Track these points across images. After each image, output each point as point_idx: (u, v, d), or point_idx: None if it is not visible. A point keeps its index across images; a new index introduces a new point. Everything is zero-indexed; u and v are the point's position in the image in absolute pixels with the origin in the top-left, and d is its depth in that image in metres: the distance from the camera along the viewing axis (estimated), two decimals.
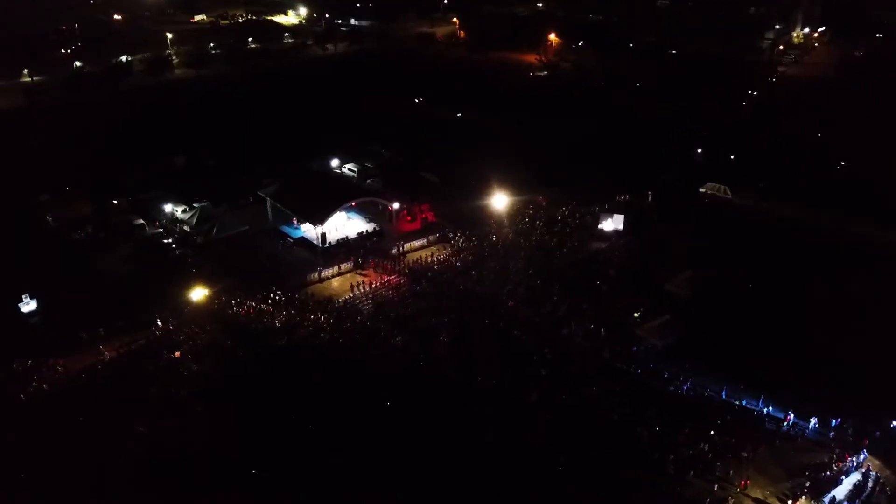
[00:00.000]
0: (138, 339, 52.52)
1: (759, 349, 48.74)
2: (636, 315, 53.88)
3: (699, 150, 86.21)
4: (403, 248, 65.55)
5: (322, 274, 61.23)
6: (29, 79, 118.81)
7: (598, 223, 67.86)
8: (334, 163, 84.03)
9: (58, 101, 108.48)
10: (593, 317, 53.37)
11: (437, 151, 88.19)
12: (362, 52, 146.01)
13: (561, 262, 61.81)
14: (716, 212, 72.61)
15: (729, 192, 75.34)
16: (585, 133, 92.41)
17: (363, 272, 62.12)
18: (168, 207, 71.60)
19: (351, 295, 58.33)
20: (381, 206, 70.62)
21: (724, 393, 45.80)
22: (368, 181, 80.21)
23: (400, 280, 60.59)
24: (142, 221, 69.41)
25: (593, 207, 71.40)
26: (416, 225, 70.73)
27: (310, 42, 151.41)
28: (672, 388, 46.48)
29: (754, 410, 44.74)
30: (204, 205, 71.65)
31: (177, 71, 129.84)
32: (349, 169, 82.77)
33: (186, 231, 68.54)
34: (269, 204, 69.34)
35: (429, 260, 63.27)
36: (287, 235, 67.16)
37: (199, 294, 56.15)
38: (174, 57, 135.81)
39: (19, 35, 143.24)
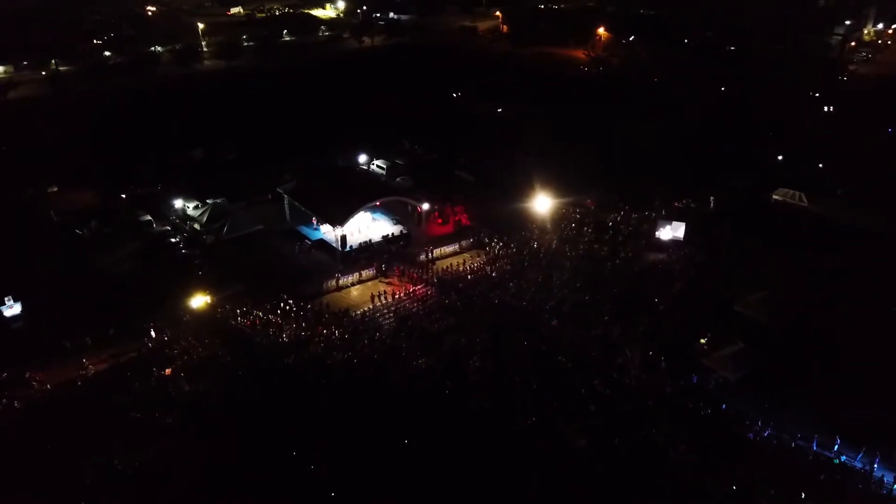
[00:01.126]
0: (129, 350, 46.41)
1: (857, 390, 40.11)
2: (703, 341, 45.70)
3: (780, 157, 76.94)
4: (432, 254, 58.32)
5: (340, 281, 54.41)
6: (57, 69, 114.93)
7: (654, 231, 59.65)
8: (362, 159, 77.33)
9: (81, 91, 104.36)
10: (652, 341, 45.34)
11: (474, 149, 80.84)
12: (399, 45, 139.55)
13: (613, 275, 53.79)
14: (790, 221, 63.61)
15: (805, 200, 66.26)
16: (638, 132, 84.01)
17: (387, 280, 55.12)
18: (178, 203, 65.63)
19: (371, 307, 51.33)
20: (410, 207, 63.47)
21: (814, 443, 37.45)
22: (398, 179, 73.23)
23: (427, 291, 53.36)
24: (149, 218, 63.51)
25: (649, 213, 63.26)
26: (448, 228, 63.48)
27: (346, 35, 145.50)
28: (751, 434, 38.24)
29: (855, 468, 36.28)
30: (217, 201, 65.50)
31: (206, 62, 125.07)
32: (378, 165, 75.95)
33: (196, 229, 62.42)
34: (286, 202, 62.81)
35: (461, 269, 55.91)
36: (305, 237, 60.49)
37: (200, 301, 49.75)
38: (205, 48, 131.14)
39: (54, 25, 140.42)
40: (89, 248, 59.46)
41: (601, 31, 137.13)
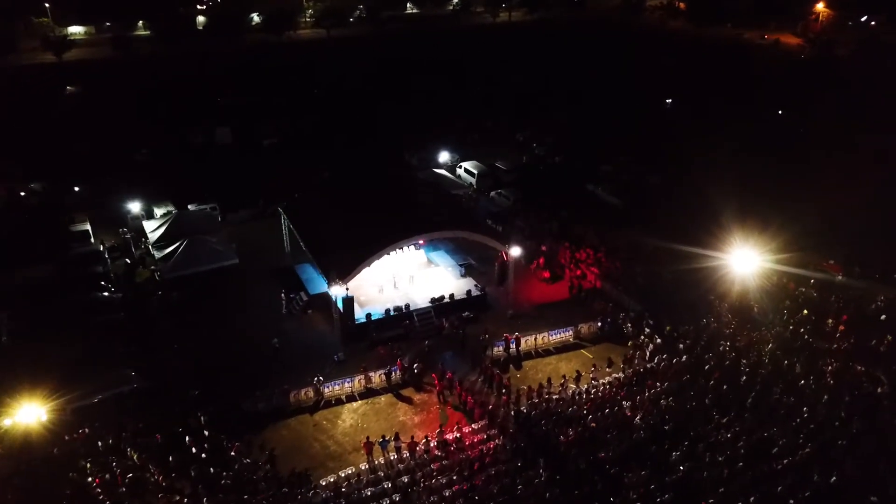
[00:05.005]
0: None
1: None
2: None
3: None
4: (518, 345, 30.36)
5: (325, 391, 27.88)
6: (128, 32, 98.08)
7: None
8: (442, 157, 50.57)
9: (143, 56, 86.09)
10: None
11: (624, 154, 51.37)
12: (543, 21, 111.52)
13: None
14: None
15: None
16: None
17: (416, 396, 27.94)
18: (136, 207, 42.07)
19: (364, 467, 24.33)
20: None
21: None
22: (493, 194, 45.78)
23: (490, 443, 25.32)
24: (87, 228, 40.40)
25: None
26: (561, 291, 35.16)
27: (479, 9, 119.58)
28: None
29: None
30: (204, 207, 42.04)
31: (305, 31, 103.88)
32: (466, 170, 48.79)
33: (144, 253, 38.61)
34: (284, 223, 37.11)
35: (569, 390, 27.44)
36: (302, 286, 34.55)
37: (29, 416, 25.02)
38: (309, 16, 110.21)
39: None
40: None
41: (820, 7, 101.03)
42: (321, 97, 66.84)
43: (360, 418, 26.98)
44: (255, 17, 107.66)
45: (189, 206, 42.37)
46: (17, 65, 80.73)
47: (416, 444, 24.59)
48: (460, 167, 49.34)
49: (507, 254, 32.38)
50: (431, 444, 24.78)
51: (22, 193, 45.31)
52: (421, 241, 33.40)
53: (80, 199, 44.76)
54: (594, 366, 28.62)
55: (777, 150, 50.68)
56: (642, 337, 30.59)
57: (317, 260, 31.60)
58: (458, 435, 25.18)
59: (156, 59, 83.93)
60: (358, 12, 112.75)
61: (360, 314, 31.34)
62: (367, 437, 24.65)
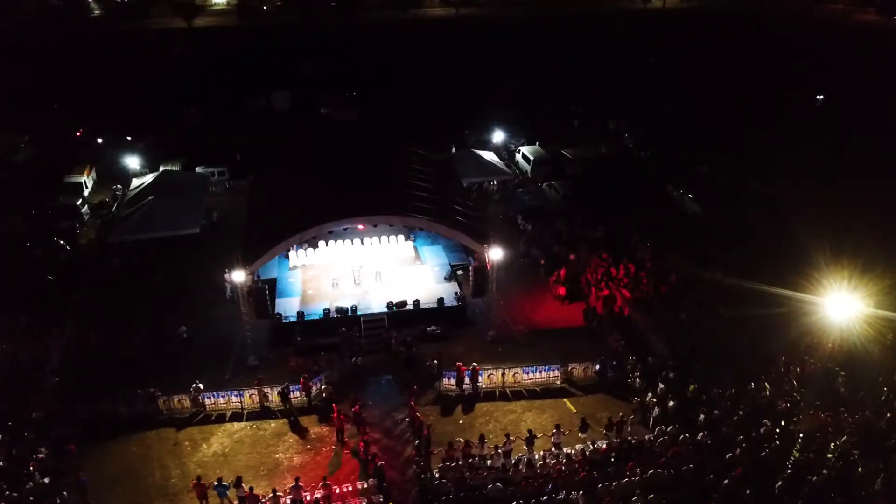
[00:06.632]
0: None
1: None
2: None
3: None
4: (475, 380, 22.39)
5: (203, 401, 21.80)
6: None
7: None
8: (497, 138, 42.55)
9: (259, 25, 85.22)
10: None
11: (729, 155, 40.38)
12: (705, 10, 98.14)
13: None
14: None
15: None
16: None
17: (320, 426, 21.08)
18: (135, 162, 38.53)
19: None
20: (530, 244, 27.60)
21: None
22: (544, 185, 37.36)
23: None
24: (83, 179, 37.38)
25: None
26: (574, 314, 26.46)
27: None
28: None
29: None
30: (213, 171, 38.07)
31: (436, 9, 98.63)
32: (524, 155, 40.59)
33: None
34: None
35: (512, 454, 19.24)
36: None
37: None
38: None
39: None
40: None
41: None
42: (407, 73, 60.46)
43: (230, 445, 20.60)
44: None
45: (197, 169, 38.34)
46: (142, 28, 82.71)
47: (259, 498, 17.73)
48: (518, 151, 41.23)
49: (488, 255, 24.30)
50: (283, 501, 17.84)
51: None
52: (360, 227, 26.21)
53: (99, 150, 42.24)
54: (556, 426, 20.00)
55: None
56: (649, 395, 21.45)
57: (243, 238, 25.52)
58: (322, 493, 17.97)
59: (268, 28, 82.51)
60: None
61: (291, 311, 24.95)
62: (199, 478, 18.16)
